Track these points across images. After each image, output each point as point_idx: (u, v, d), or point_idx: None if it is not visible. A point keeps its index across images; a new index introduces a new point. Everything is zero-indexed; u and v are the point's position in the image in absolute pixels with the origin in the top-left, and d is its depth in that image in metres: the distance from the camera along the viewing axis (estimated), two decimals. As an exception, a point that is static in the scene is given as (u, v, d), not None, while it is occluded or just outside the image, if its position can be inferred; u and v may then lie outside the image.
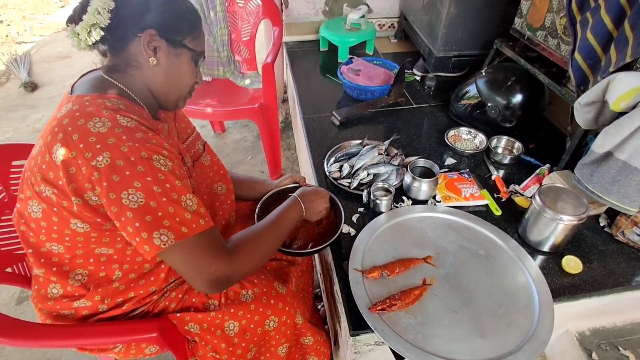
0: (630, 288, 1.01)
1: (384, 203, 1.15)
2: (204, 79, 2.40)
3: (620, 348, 1.10)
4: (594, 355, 1.08)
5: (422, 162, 1.25)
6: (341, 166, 1.29)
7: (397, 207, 1.20)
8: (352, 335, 0.92)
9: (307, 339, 1.05)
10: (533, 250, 1.10)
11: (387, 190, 1.19)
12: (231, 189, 1.09)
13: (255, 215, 1.08)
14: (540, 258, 1.08)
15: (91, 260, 0.80)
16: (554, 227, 1.03)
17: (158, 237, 0.69)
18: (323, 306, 1.50)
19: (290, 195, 1.01)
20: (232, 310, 0.90)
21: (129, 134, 0.70)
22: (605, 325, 1.16)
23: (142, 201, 0.68)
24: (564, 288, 1.00)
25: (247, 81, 2.20)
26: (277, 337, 0.96)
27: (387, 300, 0.92)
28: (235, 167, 2.37)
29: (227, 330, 0.91)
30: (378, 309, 0.90)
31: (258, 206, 1.11)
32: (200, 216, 0.74)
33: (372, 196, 1.16)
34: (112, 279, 0.84)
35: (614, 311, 1.13)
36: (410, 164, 1.21)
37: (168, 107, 0.87)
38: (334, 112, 1.58)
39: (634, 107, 0.98)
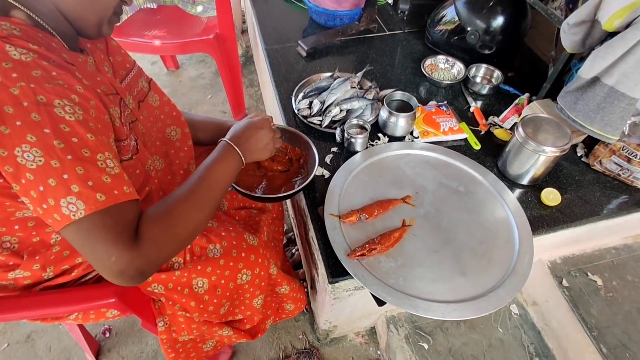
0: (605, 217, 1.01)
1: (359, 142, 1.06)
2: (148, 5, 2.11)
3: (588, 274, 1.13)
4: (564, 281, 1.11)
5: (399, 94, 1.14)
6: (311, 102, 1.16)
7: (372, 145, 1.12)
8: (330, 282, 0.88)
9: (283, 288, 1.00)
10: (512, 184, 1.06)
11: (363, 128, 1.09)
12: (187, 133, 0.96)
13: None
14: (519, 192, 1.05)
15: (16, 227, 0.68)
16: (536, 159, 0.99)
17: (66, 206, 0.55)
18: (297, 250, 1.46)
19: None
20: (199, 267, 0.82)
21: (23, 71, 0.54)
22: (575, 252, 1.19)
23: (41, 160, 0.54)
24: (542, 221, 0.98)
25: (199, 8, 1.93)
26: (252, 289, 0.90)
27: (367, 245, 0.87)
28: (194, 107, 2.17)
29: (195, 288, 0.84)
30: (357, 254, 0.85)
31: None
32: (124, 182, 0.61)
33: (346, 134, 1.06)
34: (50, 243, 0.72)
35: (586, 239, 1.15)
36: (386, 98, 1.11)
37: (89, 34, 0.69)
38: (299, 42, 1.41)
39: (627, 26, 0.90)
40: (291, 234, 1.56)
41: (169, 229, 0.64)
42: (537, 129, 1.00)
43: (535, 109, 1.15)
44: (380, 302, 0.82)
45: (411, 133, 1.14)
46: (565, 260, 1.16)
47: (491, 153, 1.12)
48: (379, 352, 1.29)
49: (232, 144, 0.80)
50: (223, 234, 0.87)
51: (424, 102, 1.25)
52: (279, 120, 1.25)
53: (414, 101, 1.11)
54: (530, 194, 1.04)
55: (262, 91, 2.16)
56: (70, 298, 0.74)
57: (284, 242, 1.54)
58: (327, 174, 1.04)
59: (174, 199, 0.68)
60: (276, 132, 0.90)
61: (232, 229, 0.90)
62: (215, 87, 2.27)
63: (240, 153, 0.79)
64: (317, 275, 1.04)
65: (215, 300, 0.86)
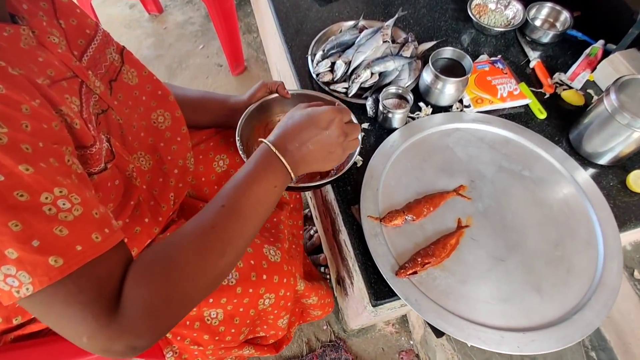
0: None
1: (397, 117, 0.84)
2: None
3: (665, 263, 0.97)
4: (635, 273, 0.95)
5: (448, 52, 0.89)
6: (333, 64, 0.92)
7: (412, 118, 0.89)
8: (374, 306, 0.71)
9: (310, 300, 0.85)
10: (585, 162, 0.86)
11: (402, 98, 0.86)
12: (179, 117, 0.74)
13: (240, 152, 0.72)
14: (595, 173, 0.85)
15: None
16: (628, 135, 0.77)
17: (2, 280, 0.37)
18: (316, 232, 1.29)
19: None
20: (210, 300, 0.65)
21: None
22: (646, 235, 1.02)
23: None
24: (629, 212, 0.79)
25: None
26: (276, 312, 0.74)
27: (418, 259, 0.69)
28: (185, 61, 1.88)
29: (208, 320, 0.68)
30: (409, 273, 0.68)
31: (238, 136, 0.73)
32: (92, 225, 0.42)
33: (381, 107, 0.84)
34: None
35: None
36: (432, 56, 0.86)
37: None
38: (310, -21, 1.12)
39: None
40: (307, 211, 1.38)
41: (171, 290, 0.45)
42: (632, 95, 0.77)
43: (618, 63, 0.91)
44: (440, 333, 0.67)
45: (460, 101, 0.91)
46: (637, 247, 1.00)
47: (559, 123, 0.90)
48: (411, 342, 1.18)
49: (276, 151, 0.55)
50: (237, 251, 0.69)
51: (470, 55, 1.00)
52: (291, 85, 1.01)
53: (467, 61, 0.87)
54: (612, 177, 0.84)
55: (263, 38, 1.86)
56: (49, 353, 0.58)
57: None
58: (359, 160, 0.84)
59: (181, 238, 0.48)
60: (352, 132, 0.62)
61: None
62: (208, 35, 1.96)
63: (286, 163, 0.56)
64: (352, 285, 0.88)
65: (233, 330, 0.71)
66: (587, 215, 0.77)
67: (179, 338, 0.68)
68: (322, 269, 1.20)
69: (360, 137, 0.72)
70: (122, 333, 0.41)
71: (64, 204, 0.40)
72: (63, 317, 0.40)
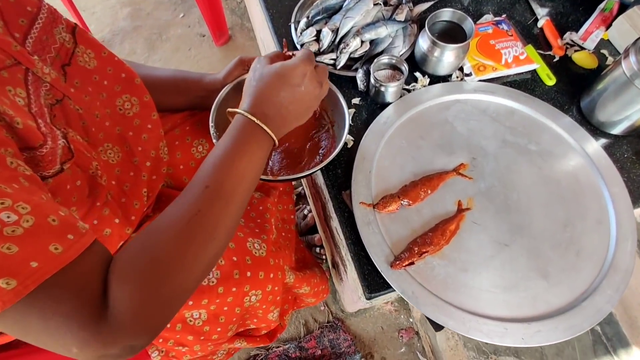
0: None
1: (391, 90, 0.76)
2: None
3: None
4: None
5: (447, 14, 0.79)
6: (318, 32, 0.83)
7: (408, 90, 0.81)
8: (368, 299, 0.67)
9: (302, 290, 0.80)
10: (596, 132, 0.79)
11: (396, 69, 0.78)
12: (148, 102, 0.66)
13: (214, 140, 0.67)
14: (607, 144, 0.78)
15: None
16: (646, 102, 0.70)
17: None
18: (310, 212, 1.24)
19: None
20: (190, 302, 0.60)
21: None
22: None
23: None
24: (644, 187, 0.73)
25: None
26: (264, 306, 0.70)
27: (415, 248, 0.64)
28: (165, 32, 1.76)
29: (190, 321, 0.63)
30: (405, 264, 0.63)
31: (212, 122, 0.67)
32: (50, 236, 0.36)
33: (372, 80, 0.76)
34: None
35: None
36: (429, 20, 0.77)
37: None
38: None
39: None
40: (300, 188, 1.32)
41: (160, 284, 0.41)
42: (653, 56, 0.69)
43: (637, 19, 0.81)
44: (439, 327, 0.62)
45: (460, 69, 0.83)
46: (648, 218, 0.94)
47: (569, 89, 0.82)
48: (411, 320, 1.16)
49: (257, 121, 0.51)
50: (218, 247, 0.64)
51: (472, 16, 0.90)
52: (260, 51, 0.91)
53: (469, 24, 0.77)
54: (627, 147, 0.77)
55: (247, 4, 1.72)
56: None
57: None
58: (349, 139, 0.76)
59: (165, 227, 0.44)
60: (324, 79, 0.59)
61: (230, 238, 0.66)
62: (188, 2, 1.82)
63: (269, 131, 0.52)
64: (346, 274, 0.84)
65: (219, 329, 0.66)
66: (599, 191, 0.71)
67: (161, 340, 0.64)
68: (318, 249, 1.15)
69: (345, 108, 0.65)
70: (117, 336, 0.37)
71: (8, 217, 0.34)
72: (44, 333, 0.36)
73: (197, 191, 0.46)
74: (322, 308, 1.18)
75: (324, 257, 1.15)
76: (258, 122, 0.51)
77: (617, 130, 0.77)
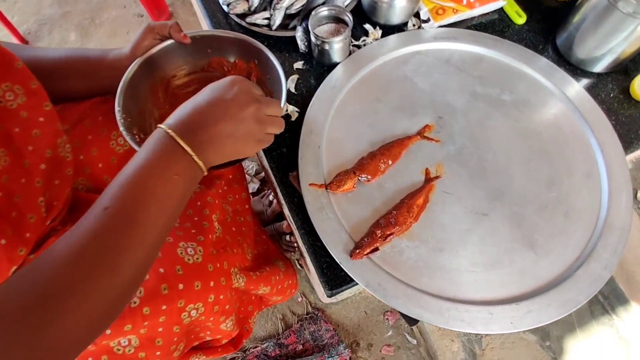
0: None
1: (336, 47, 0.64)
2: None
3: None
4: (639, 195, 0.82)
5: (392, -52, 0.67)
6: (246, -13, 0.69)
7: (358, 46, 0.69)
8: (330, 296, 0.57)
9: (261, 290, 0.70)
10: (576, 72, 0.69)
11: (339, 21, 0.65)
12: (37, 89, 0.53)
13: (121, 127, 0.55)
14: (589, 84, 0.68)
15: None
16: (632, 29, 0.60)
17: None
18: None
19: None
20: (108, 332, 0.49)
21: None
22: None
23: None
24: (636, 127, 0.64)
25: None
26: (212, 318, 0.59)
27: (377, 232, 0.54)
28: (97, 15, 1.57)
29: (118, 350, 0.53)
30: (366, 252, 0.53)
31: (118, 106, 0.55)
32: None
33: (313, 38, 0.63)
34: None
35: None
36: (371, -43, 0.64)
37: None
38: None
39: None
40: (262, 173, 1.21)
41: (45, 327, 0.32)
42: (636, -27, 0.58)
43: None
44: (413, 321, 0.53)
45: (416, 15, 0.71)
46: (638, 164, 0.86)
47: (543, 27, 0.72)
48: (396, 301, 1.07)
49: (171, 132, 0.41)
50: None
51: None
52: (202, 23, 0.78)
53: (419, -44, 0.65)
54: (612, 85, 0.67)
55: (187, -25, 1.55)
56: None
57: (256, 188, 1.20)
58: (293, 111, 0.65)
59: (56, 256, 0.35)
60: (268, 106, 0.47)
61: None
62: (123, -21, 1.63)
63: (188, 148, 0.41)
64: (309, 270, 0.73)
65: (158, 353, 0.56)
66: (585, 139, 0.62)
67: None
68: (288, 237, 1.05)
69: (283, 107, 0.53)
70: None
71: None
72: None
73: (96, 213, 0.37)
74: (300, 299, 1.09)
75: (295, 244, 1.05)
76: (171, 132, 0.41)
77: (599, 68, 0.67)
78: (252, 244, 0.74)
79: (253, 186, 1.20)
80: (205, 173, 0.44)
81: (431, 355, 0.96)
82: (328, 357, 1.00)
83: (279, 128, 0.48)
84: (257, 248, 0.78)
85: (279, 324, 1.07)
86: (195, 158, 0.42)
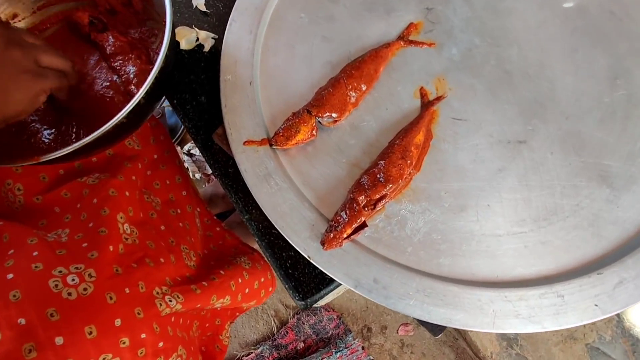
0: None
1: None
2: None
3: None
4: None
5: None
6: None
7: None
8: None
9: (217, 303, 0.50)
10: None
11: None
12: None
13: None
14: None
15: None
16: None
17: None
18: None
19: None
20: None
21: None
22: None
23: None
24: None
25: None
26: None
27: (361, 197, 0.33)
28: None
29: None
30: (347, 235, 0.32)
31: None
32: None
33: None
34: None
35: None
36: None
37: None
38: None
39: None
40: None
41: None
42: None
43: None
44: (438, 329, 0.34)
45: None
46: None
47: None
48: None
49: None
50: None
51: None
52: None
53: None
54: None
55: None
56: None
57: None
58: (208, 37, 0.43)
59: None
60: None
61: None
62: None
63: None
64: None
65: None
66: (653, 4, 0.40)
67: None
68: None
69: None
70: None
71: None
72: None
73: None
74: (293, 288, 0.91)
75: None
76: None
77: None
78: (197, 243, 0.53)
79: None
80: None
81: (460, 331, 0.79)
82: (336, 352, 0.83)
83: (55, 56, 0.35)
84: (207, 247, 0.58)
85: (273, 322, 0.89)
86: None
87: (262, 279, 0.59)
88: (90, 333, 0.34)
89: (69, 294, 0.34)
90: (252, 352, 0.86)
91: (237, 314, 0.65)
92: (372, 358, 0.84)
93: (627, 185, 0.34)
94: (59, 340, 0.32)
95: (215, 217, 0.63)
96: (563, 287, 0.31)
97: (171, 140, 0.60)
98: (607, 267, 0.32)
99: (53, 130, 0.41)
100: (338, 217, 0.33)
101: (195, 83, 0.41)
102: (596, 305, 0.31)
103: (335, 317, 0.87)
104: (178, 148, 0.90)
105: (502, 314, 0.31)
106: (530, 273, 0.32)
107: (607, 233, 0.33)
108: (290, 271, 0.36)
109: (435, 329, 0.34)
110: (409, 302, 0.32)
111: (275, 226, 0.34)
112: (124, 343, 0.36)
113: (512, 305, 0.31)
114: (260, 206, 0.34)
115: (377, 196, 0.33)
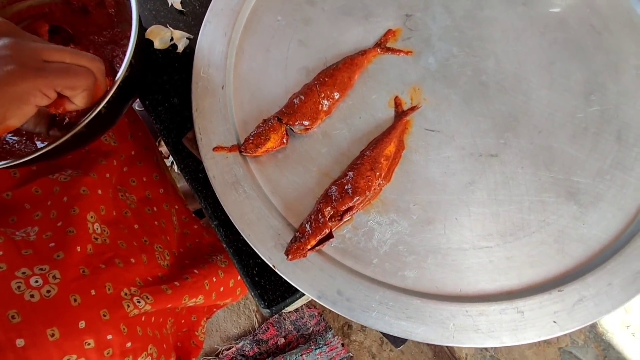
0: None
1: None
2: None
3: None
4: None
5: None
6: None
7: None
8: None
9: (190, 302, 0.50)
10: None
11: None
12: None
13: None
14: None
15: None
16: None
17: None
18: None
19: None
20: None
21: None
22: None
23: None
24: None
25: None
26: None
27: (327, 209, 0.33)
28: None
29: None
30: (311, 246, 0.32)
31: None
32: None
33: None
34: None
35: None
36: None
37: None
38: None
39: None
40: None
41: None
42: None
43: None
44: (399, 341, 0.34)
45: None
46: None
47: None
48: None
49: None
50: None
51: None
52: None
53: None
54: None
55: None
56: None
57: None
58: (182, 37, 0.42)
59: None
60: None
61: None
62: None
63: None
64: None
65: None
66: (636, 17, 0.40)
67: None
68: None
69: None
70: None
71: None
72: None
73: None
74: (275, 284, 0.91)
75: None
76: None
77: None
78: (173, 242, 0.53)
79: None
80: None
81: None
82: (316, 349, 0.83)
83: (64, 52, 0.30)
84: (183, 245, 0.58)
85: (254, 317, 0.90)
86: None
87: (239, 277, 0.59)
88: (53, 335, 0.33)
89: (32, 295, 0.34)
90: (232, 347, 0.87)
91: (215, 309, 0.65)
92: (351, 355, 0.85)
93: (594, 202, 0.35)
94: (20, 342, 0.32)
95: (193, 215, 0.63)
96: (524, 303, 0.32)
97: (151, 136, 0.60)
98: (568, 284, 0.32)
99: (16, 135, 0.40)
100: (303, 228, 0.33)
101: (169, 84, 0.40)
102: (554, 322, 0.31)
103: (316, 314, 0.88)
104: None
105: (462, 328, 0.31)
106: (493, 288, 0.33)
107: (572, 250, 0.33)
108: (256, 279, 0.36)
109: (397, 340, 0.35)
110: (372, 314, 0.32)
111: (242, 234, 0.34)
112: (88, 344, 0.36)
113: (472, 320, 0.31)
114: (228, 214, 0.34)
115: (344, 208, 0.33)
